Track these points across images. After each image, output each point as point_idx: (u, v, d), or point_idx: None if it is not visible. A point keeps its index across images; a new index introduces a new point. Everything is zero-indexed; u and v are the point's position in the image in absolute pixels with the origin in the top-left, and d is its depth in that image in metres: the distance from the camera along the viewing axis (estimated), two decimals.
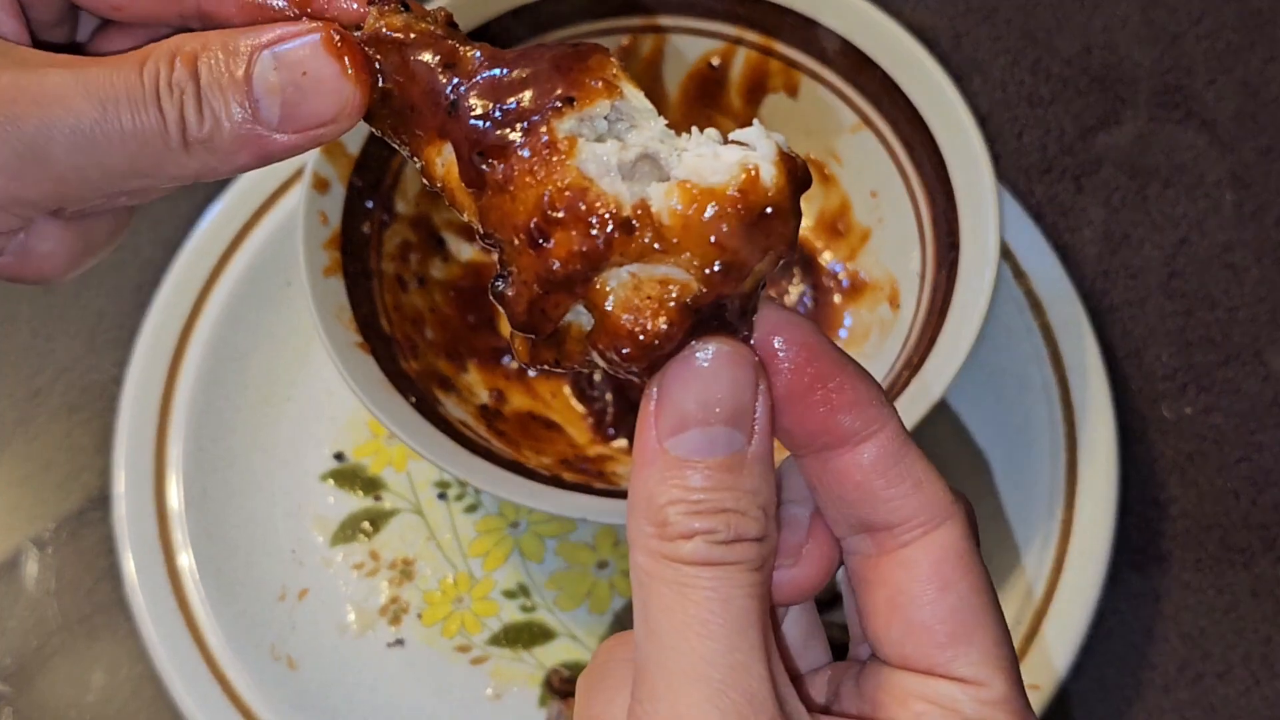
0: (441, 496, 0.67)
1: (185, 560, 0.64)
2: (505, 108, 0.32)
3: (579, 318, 0.33)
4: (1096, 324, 0.70)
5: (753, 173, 0.31)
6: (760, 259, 0.32)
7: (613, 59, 0.33)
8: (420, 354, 0.63)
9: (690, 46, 0.66)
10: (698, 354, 0.32)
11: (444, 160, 0.33)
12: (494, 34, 0.62)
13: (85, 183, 0.33)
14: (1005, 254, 0.70)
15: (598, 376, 0.66)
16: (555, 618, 0.64)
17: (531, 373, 0.67)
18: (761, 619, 0.32)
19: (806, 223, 0.68)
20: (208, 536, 0.65)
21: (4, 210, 0.33)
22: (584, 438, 0.65)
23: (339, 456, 0.67)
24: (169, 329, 0.69)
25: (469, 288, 0.68)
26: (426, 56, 0.33)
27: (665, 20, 0.65)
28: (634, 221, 0.31)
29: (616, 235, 0.31)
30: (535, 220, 0.31)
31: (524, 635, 0.64)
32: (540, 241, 0.31)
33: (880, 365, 0.60)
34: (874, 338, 0.64)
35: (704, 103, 0.67)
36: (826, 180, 0.67)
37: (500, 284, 0.33)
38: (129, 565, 0.64)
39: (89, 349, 0.72)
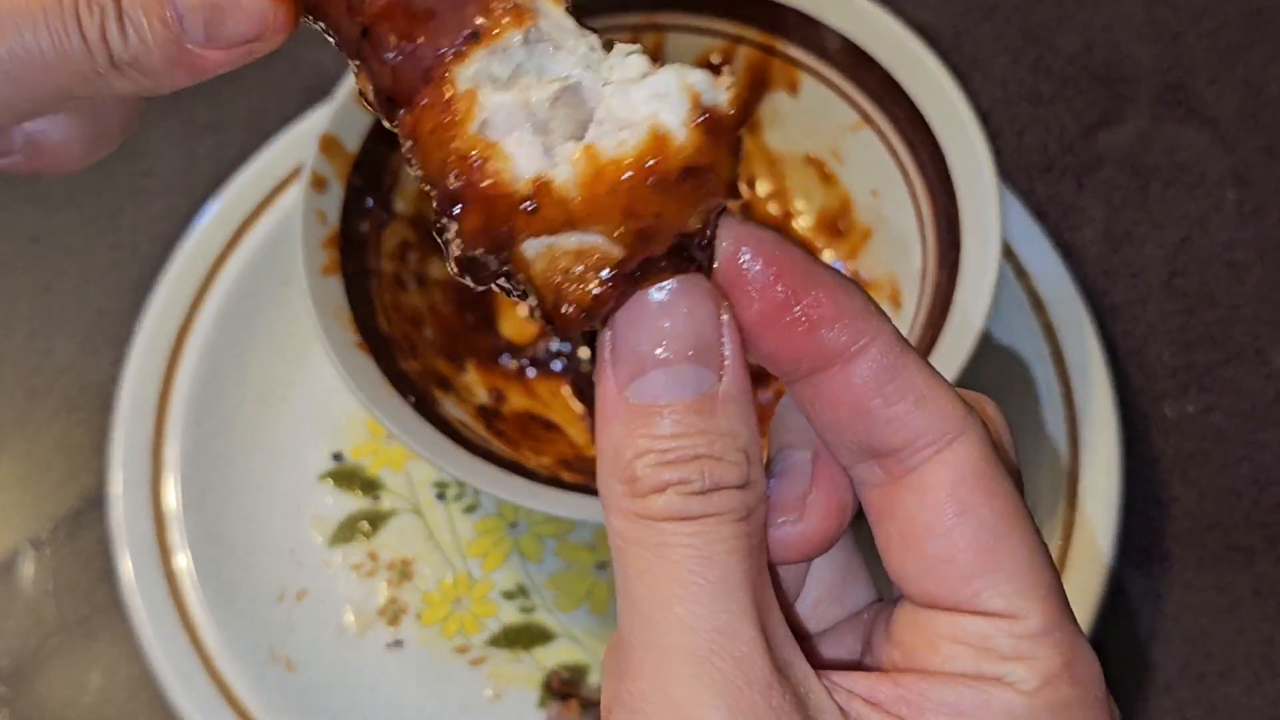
0: (440, 497, 0.66)
1: (182, 561, 0.64)
2: (412, 43, 0.29)
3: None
4: (1098, 322, 0.70)
5: (662, 137, 0.28)
6: (690, 213, 0.29)
7: None
8: (419, 354, 0.63)
9: (690, 44, 0.65)
10: (650, 293, 0.29)
11: (365, 86, 0.31)
12: None
13: (14, 110, 0.32)
14: (1007, 253, 0.69)
15: (584, 356, 0.66)
16: (554, 618, 0.64)
17: (531, 372, 0.67)
18: (750, 576, 0.29)
19: (807, 222, 0.68)
20: (205, 537, 0.64)
21: None
22: (583, 438, 0.65)
23: (337, 456, 0.67)
24: (166, 328, 0.68)
25: (468, 288, 0.67)
26: None
27: (665, 18, 0.65)
28: (532, 201, 0.29)
29: (516, 215, 0.29)
30: (446, 185, 0.29)
31: (523, 636, 0.64)
32: (452, 211, 0.29)
33: None
34: None
35: None
36: (827, 179, 0.67)
37: (440, 222, 0.30)
38: (126, 566, 0.63)
39: (86, 349, 0.72)
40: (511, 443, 0.62)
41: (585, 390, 0.66)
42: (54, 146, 0.36)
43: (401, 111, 0.30)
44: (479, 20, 0.29)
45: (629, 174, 0.28)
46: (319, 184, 0.60)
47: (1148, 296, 0.73)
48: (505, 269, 0.30)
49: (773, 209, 0.69)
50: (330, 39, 0.32)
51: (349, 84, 0.61)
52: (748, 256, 0.30)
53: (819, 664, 0.30)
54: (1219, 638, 0.66)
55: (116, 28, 0.32)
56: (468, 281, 0.31)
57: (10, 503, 0.68)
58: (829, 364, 0.30)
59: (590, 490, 0.57)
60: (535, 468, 0.58)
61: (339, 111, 0.61)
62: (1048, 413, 0.66)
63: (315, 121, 0.68)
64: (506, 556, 0.65)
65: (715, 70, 0.66)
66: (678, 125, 0.28)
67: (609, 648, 0.30)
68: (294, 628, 0.63)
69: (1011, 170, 0.76)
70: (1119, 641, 0.65)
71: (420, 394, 0.59)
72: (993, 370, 0.67)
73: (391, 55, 0.30)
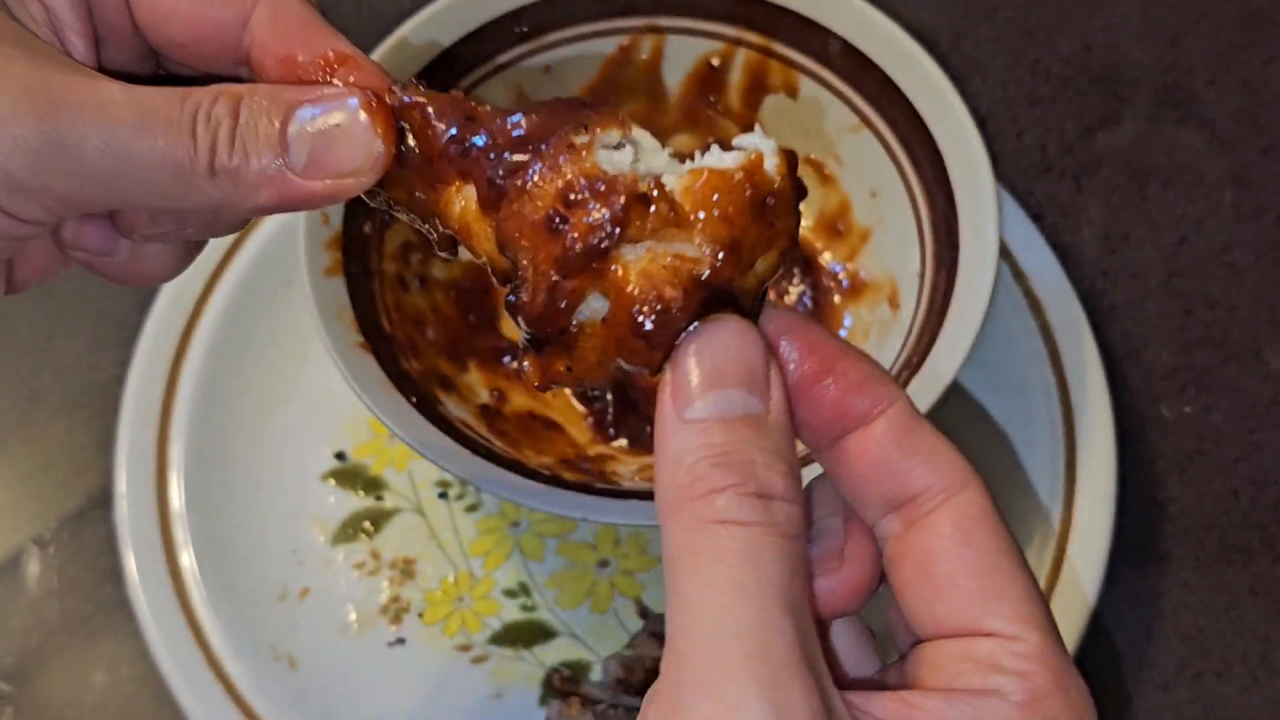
0: (442, 496, 0.67)
1: (186, 560, 0.64)
2: (526, 138, 0.34)
3: (591, 312, 0.34)
4: (1096, 324, 0.70)
5: (757, 159, 0.33)
6: (764, 248, 0.34)
7: (621, 109, 0.35)
8: (421, 354, 0.63)
9: (690, 47, 0.66)
10: (705, 327, 0.33)
11: (462, 198, 0.35)
12: (493, 35, 0.62)
13: (111, 189, 0.35)
14: (1004, 254, 0.70)
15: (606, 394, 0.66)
16: (556, 617, 0.64)
17: (543, 387, 0.67)
18: (794, 590, 0.32)
19: (806, 223, 0.69)
20: (209, 536, 0.65)
21: (33, 199, 0.35)
22: (584, 437, 0.65)
23: (340, 456, 0.68)
24: (170, 329, 0.69)
25: (470, 288, 0.68)
26: (448, 112, 0.35)
27: (664, 21, 0.65)
28: (650, 195, 0.33)
29: (634, 206, 0.33)
30: (553, 208, 0.33)
31: (524, 634, 0.64)
32: (558, 225, 0.33)
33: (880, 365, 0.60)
34: (873, 338, 0.64)
35: (704, 103, 0.68)
36: (826, 180, 0.67)
37: (513, 295, 0.34)
38: (130, 565, 0.64)
39: (90, 348, 0.72)
40: (513, 442, 0.62)
41: (586, 391, 0.67)
42: (150, 256, 0.40)
43: (509, 180, 0.34)
44: (586, 123, 0.34)
45: (732, 182, 0.33)
46: None
47: (1145, 297, 0.74)
48: (573, 328, 0.34)
49: None
50: (389, 197, 0.37)
51: None
52: (786, 337, 0.35)
53: (839, 684, 0.33)
54: (1216, 637, 0.66)
55: (227, 139, 0.35)
56: (531, 375, 0.35)
57: (14, 502, 0.68)
58: (855, 425, 0.35)
59: (591, 489, 0.57)
60: (537, 467, 0.59)
61: None
62: (1045, 413, 0.67)
63: None
64: (508, 555, 0.65)
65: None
66: (770, 154, 0.34)
67: (651, 693, 0.32)
68: (296, 626, 0.64)
69: (1010, 171, 0.77)
70: (1116, 641, 0.65)
71: (422, 394, 0.59)
72: (990, 370, 0.67)
73: (509, 150, 0.34)
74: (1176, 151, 0.78)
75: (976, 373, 0.67)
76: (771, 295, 0.63)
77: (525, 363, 0.35)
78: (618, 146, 0.34)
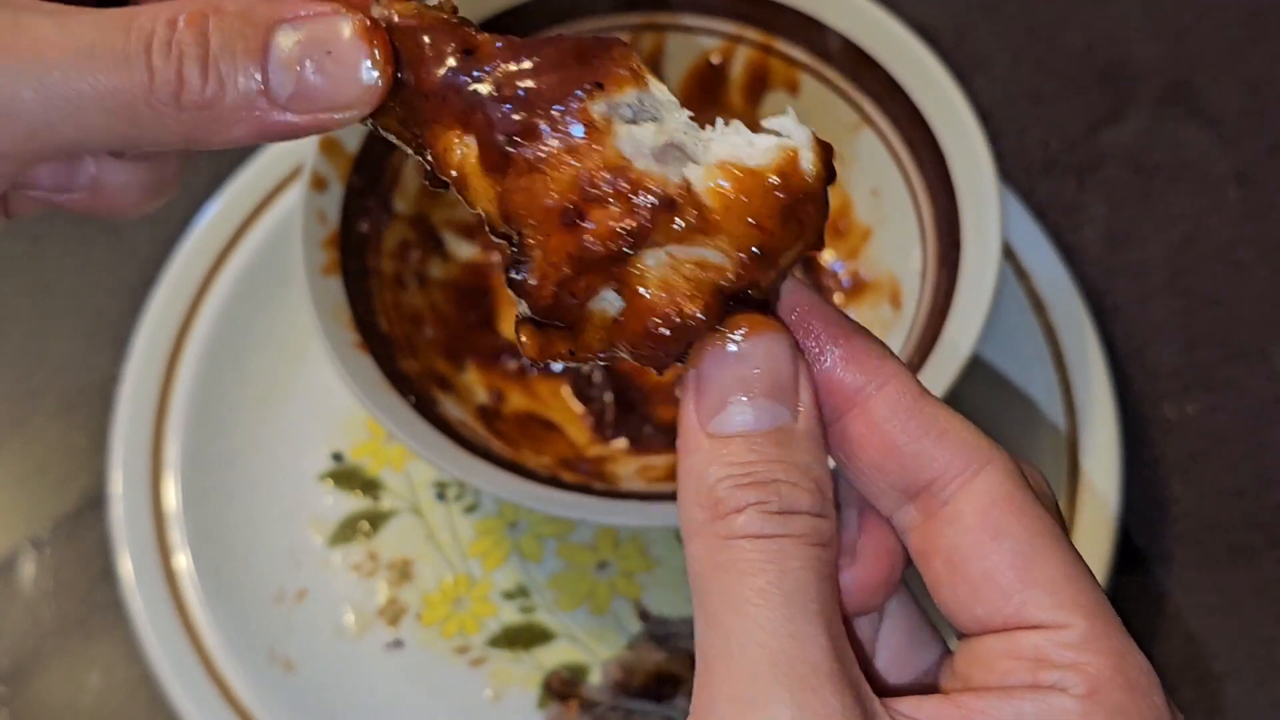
0: (440, 497, 0.66)
1: (182, 561, 0.64)
2: (533, 91, 0.31)
3: (603, 305, 0.32)
4: (1098, 322, 0.70)
5: (793, 157, 0.31)
6: (792, 246, 0.32)
7: (634, 51, 0.32)
8: (419, 353, 0.63)
9: (690, 44, 0.65)
10: (731, 333, 0.32)
11: (462, 148, 0.32)
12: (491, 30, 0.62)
13: (60, 140, 0.32)
14: (1007, 253, 0.69)
15: (596, 376, 0.66)
16: (555, 619, 0.64)
17: (533, 371, 0.67)
18: (823, 597, 0.30)
19: None
20: (205, 537, 0.64)
21: None
22: (583, 438, 0.65)
23: (337, 457, 0.67)
24: (166, 328, 0.68)
25: (468, 287, 0.67)
26: (445, 42, 0.32)
27: (664, 18, 0.64)
28: (678, 201, 0.31)
29: (662, 214, 0.31)
30: (571, 199, 0.31)
31: (523, 636, 0.63)
32: (576, 220, 0.31)
33: None
34: None
35: (705, 101, 0.67)
36: None
37: (518, 273, 0.32)
38: (126, 566, 0.63)
39: (86, 348, 0.72)
40: (511, 443, 0.62)
41: (585, 390, 0.66)
42: (115, 189, 0.36)
43: (517, 146, 0.31)
44: (600, 76, 0.31)
45: (764, 184, 0.31)
46: (319, 184, 0.60)
47: (1149, 296, 0.73)
48: (583, 313, 0.32)
49: None
50: (386, 124, 0.33)
51: None
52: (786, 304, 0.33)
53: (881, 691, 0.31)
54: (1221, 638, 0.66)
55: (198, 70, 0.31)
56: (528, 345, 0.33)
57: (9, 503, 0.68)
58: (851, 404, 0.32)
59: (590, 490, 0.57)
60: (535, 468, 0.58)
61: None
62: (1048, 413, 0.66)
63: None
64: (506, 557, 0.65)
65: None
66: (806, 150, 0.31)
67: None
68: (293, 628, 0.63)
69: (1013, 169, 0.76)
70: None
71: (420, 394, 0.59)
72: (993, 370, 0.67)
73: (512, 104, 0.31)
74: (1181, 149, 0.77)
75: (979, 373, 0.66)
76: None
77: (522, 336, 0.33)
78: (633, 119, 0.31)
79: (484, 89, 0.32)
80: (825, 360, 0.32)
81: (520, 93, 0.31)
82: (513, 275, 0.32)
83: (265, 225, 0.70)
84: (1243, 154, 0.77)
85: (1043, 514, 0.32)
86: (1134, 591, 0.66)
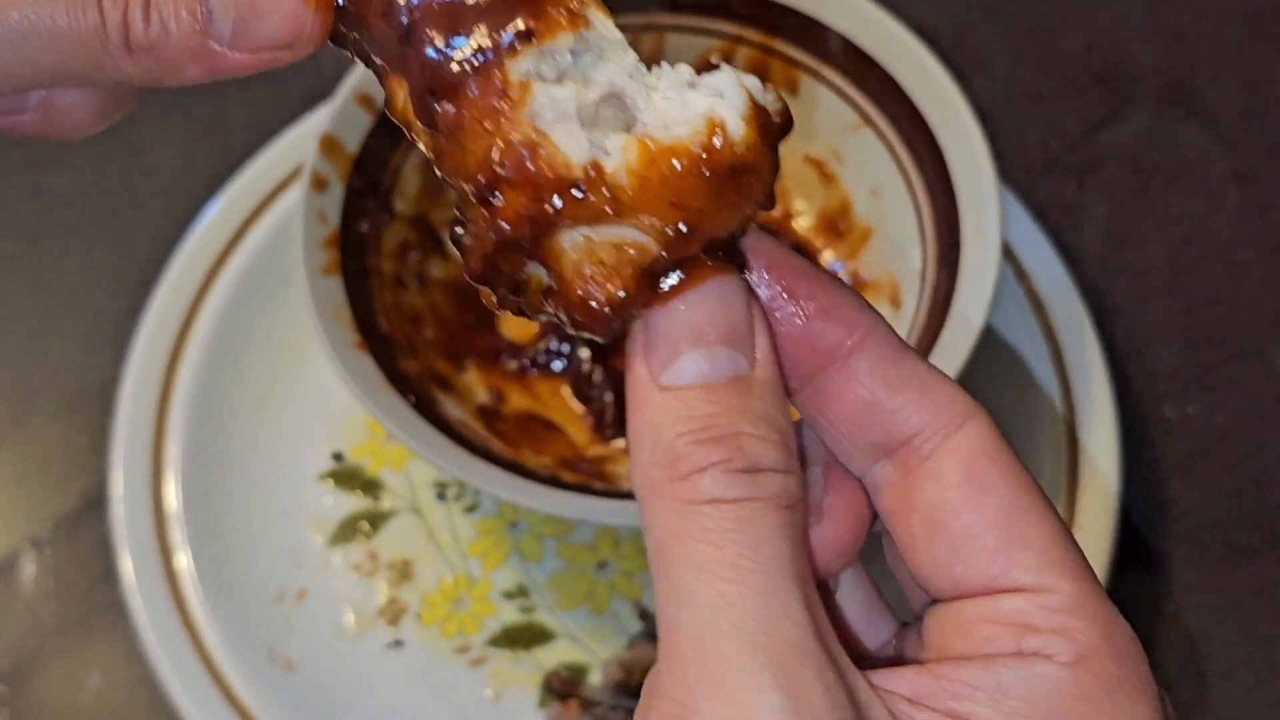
0: (440, 497, 0.66)
1: (183, 561, 0.64)
2: (460, 39, 0.29)
3: (540, 272, 0.30)
4: (1098, 323, 0.70)
5: (719, 128, 0.29)
6: (730, 217, 0.29)
7: None
8: (419, 354, 0.63)
9: (690, 45, 0.65)
10: (679, 280, 0.30)
11: (403, 93, 0.31)
12: None
13: (14, 77, 0.32)
14: (1006, 253, 0.69)
15: (596, 376, 0.66)
16: (555, 619, 0.64)
17: (531, 372, 0.67)
18: (798, 567, 0.28)
19: (807, 222, 0.68)
20: (205, 537, 0.64)
21: None
22: (583, 438, 0.65)
23: (337, 457, 0.67)
24: (166, 329, 0.68)
25: (468, 287, 0.67)
26: None
27: (664, 18, 0.64)
28: (583, 185, 0.28)
29: (565, 200, 0.28)
30: (484, 175, 0.29)
31: (523, 636, 0.63)
32: (489, 198, 0.29)
33: None
34: None
35: None
36: (827, 179, 0.67)
37: (459, 230, 0.30)
38: (126, 566, 0.63)
39: (86, 349, 0.71)
40: (511, 443, 0.62)
41: (585, 390, 0.66)
42: (66, 108, 0.35)
43: (442, 105, 0.29)
44: (532, 22, 0.29)
45: (684, 161, 0.28)
46: (319, 184, 0.60)
47: (1149, 296, 0.73)
48: (521, 277, 0.30)
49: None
50: (352, 51, 0.32)
51: (349, 84, 0.61)
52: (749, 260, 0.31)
53: (856, 660, 0.30)
54: (1220, 639, 0.66)
55: (141, 13, 0.31)
56: (486, 293, 0.31)
57: (10, 503, 0.68)
58: (827, 360, 0.30)
59: (590, 490, 0.57)
60: (535, 468, 0.58)
61: (339, 111, 0.61)
62: (1047, 413, 0.66)
63: (315, 121, 0.68)
64: (506, 557, 0.65)
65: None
66: (735, 119, 0.29)
67: (648, 694, 0.29)
68: (294, 628, 0.63)
69: (1012, 170, 0.76)
70: None
71: (420, 394, 0.59)
72: (992, 370, 0.67)
73: (437, 54, 0.29)
74: (1180, 149, 0.77)
75: (978, 373, 0.66)
76: None
77: (468, 259, 0.31)
78: (561, 75, 0.29)
79: (415, 30, 0.30)
80: (797, 316, 0.30)
81: (449, 42, 0.29)
82: (455, 230, 0.31)
83: (265, 225, 0.70)
84: (1242, 154, 0.77)
85: (1024, 473, 0.30)
86: (1134, 591, 0.66)
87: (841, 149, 0.66)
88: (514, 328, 0.68)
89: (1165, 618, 0.66)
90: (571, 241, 0.29)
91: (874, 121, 0.63)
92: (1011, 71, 0.80)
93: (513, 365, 0.66)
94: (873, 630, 0.34)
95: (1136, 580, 0.66)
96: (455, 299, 0.67)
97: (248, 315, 0.69)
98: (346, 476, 0.67)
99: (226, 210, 0.71)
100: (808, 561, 0.29)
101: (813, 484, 0.32)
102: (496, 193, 0.29)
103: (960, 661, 0.29)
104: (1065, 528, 0.30)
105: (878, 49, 0.61)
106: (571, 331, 0.31)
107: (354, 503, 0.66)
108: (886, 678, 0.29)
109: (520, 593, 0.64)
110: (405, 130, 0.31)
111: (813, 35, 0.63)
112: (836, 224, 0.67)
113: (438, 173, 0.31)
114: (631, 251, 0.29)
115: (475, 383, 0.65)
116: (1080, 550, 0.30)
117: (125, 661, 0.64)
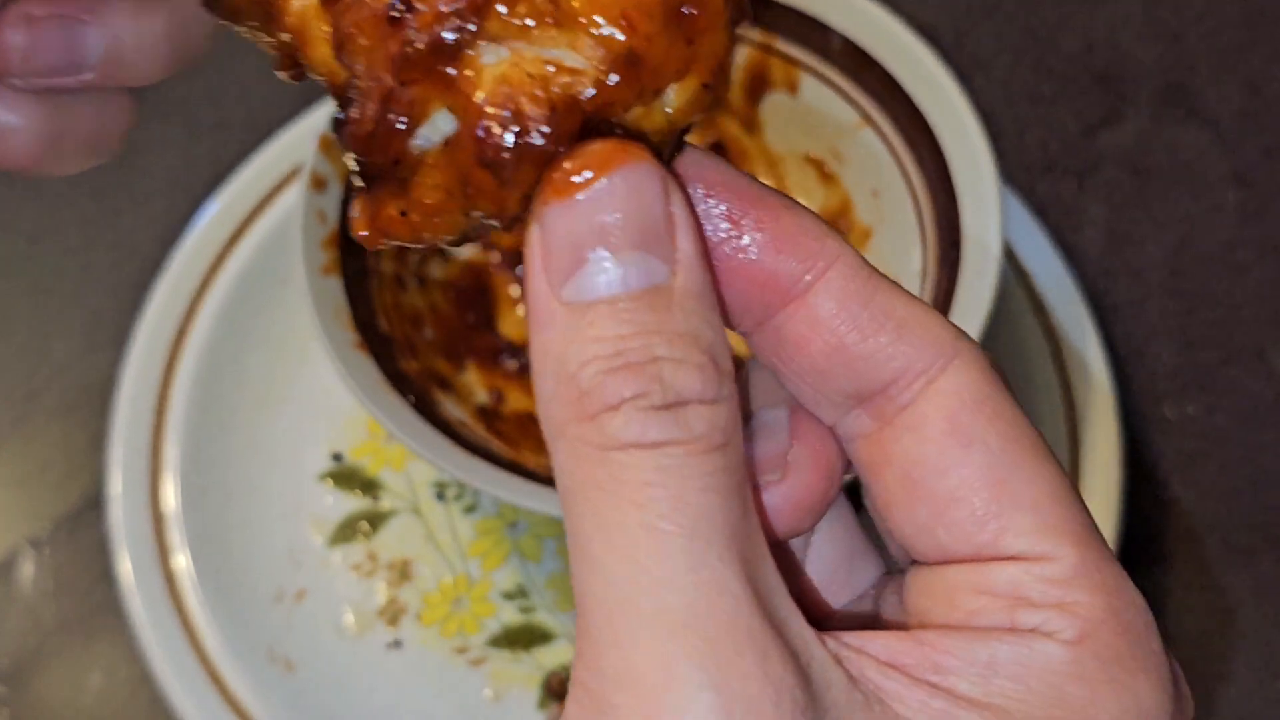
0: (440, 497, 0.66)
1: (182, 561, 0.64)
2: None
3: (435, 138, 0.26)
4: (1099, 322, 0.70)
5: None
6: (678, 73, 0.25)
7: None
8: (419, 353, 0.63)
9: None
10: (584, 175, 0.24)
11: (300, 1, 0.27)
12: None
13: None
14: (1007, 253, 0.69)
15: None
16: (555, 619, 0.64)
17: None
18: (731, 520, 0.24)
19: None
20: (204, 538, 0.64)
21: None
22: None
23: (337, 457, 0.67)
24: (165, 328, 0.68)
25: (468, 287, 0.67)
26: None
27: None
28: None
29: (491, 6, 0.24)
30: None
31: (523, 636, 0.63)
32: (400, 13, 0.25)
33: None
34: None
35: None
36: (827, 179, 0.67)
37: (341, 112, 0.26)
38: (125, 566, 0.63)
39: (85, 349, 0.71)
40: (511, 443, 0.62)
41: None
42: (135, 52, 0.32)
43: None
44: None
45: None
46: (319, 184, 0.60)
47: (1148, 297, 0.73)
48: (413, 150, 0.26)
49: None
50: (243, 28, 0.28)
51: None
52: (691, 177, 0.26)
53: (824, 621, 0.26)
54: (1219, 639, 0.66)
55: None
56: (364, 224, 0.27)
57: (9, 503, 0.68)
58: (785, 299, 0.26)
59: None
60: (535, 468, 0.58)
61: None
62: (1048, 413, 0.66)
63: (315, 121, 0.68)
64: (506, 557, 0.65)
65: None
66: None
67: (571, 680, 0.25)
68: (293, 628, 0.63)
69: (1012, 170, 0.76)
70: None
71: (420, 394, 0.59)
72: None
73: None
74: (1179, 150, 0.77)
75: None
76: None
77: (354, 211, 0.27)
78: None
79: None
80: (748, 245, 0.26)
81: None
82: (336, 117, 0.26)
83: (265, 225, 0.70)
84: (1241, 155, 0.77)
85: (1019, 416, 0.26)
86: None
87: (842, 148, 0.66)
88: (514, 328, 0.68)
89: (1164, 618, 0.66)
90: (496, 56, 0.25)
91: (874, 121, 0.63)
92: (1010, 72, 0.80)
93: (513, 365, 0.66)
94: (855, 575, 0.30)
95: (1136, 580, 0.66)
96: (455, 299, 0.67)
97: (247, 315, 0.69)
98: (346, 476, 0.67)
99: (225, 210, 0.70)
100: (747, 510, 0.24)
101: (776, 431, 0.28)
102: (411, 4, 0.25)
103: (950, 630, 0.25)
104: (1067, 482, 0.26)
105: (878, 49, 0.61)
106: (472, 207, 0.26)
107: (354, 503, 0.66)
108: (857, 637, 0.25)
109: (520, 593, 0.64)
110: (299, 51, 0.27)
111: (813, 34, 0.62)
112: (836, 224, 0.67)
113: (331, 76, 0.27)
114: (564, 79, 0.25)
115: (475, 383, 0.65)
116: (1084, 508, 0.26)
117: (126, 661, 0.64)
